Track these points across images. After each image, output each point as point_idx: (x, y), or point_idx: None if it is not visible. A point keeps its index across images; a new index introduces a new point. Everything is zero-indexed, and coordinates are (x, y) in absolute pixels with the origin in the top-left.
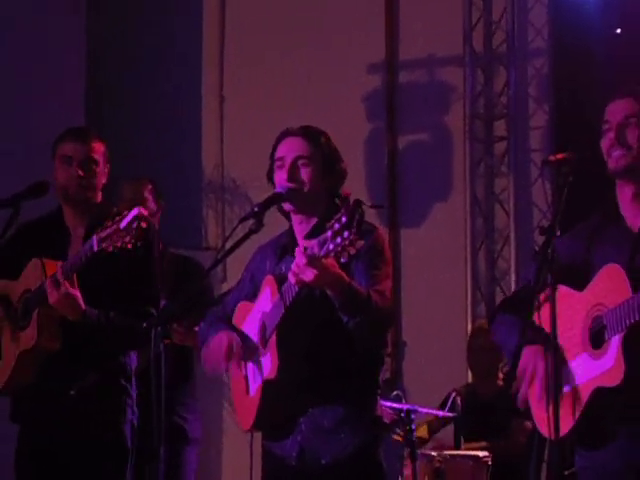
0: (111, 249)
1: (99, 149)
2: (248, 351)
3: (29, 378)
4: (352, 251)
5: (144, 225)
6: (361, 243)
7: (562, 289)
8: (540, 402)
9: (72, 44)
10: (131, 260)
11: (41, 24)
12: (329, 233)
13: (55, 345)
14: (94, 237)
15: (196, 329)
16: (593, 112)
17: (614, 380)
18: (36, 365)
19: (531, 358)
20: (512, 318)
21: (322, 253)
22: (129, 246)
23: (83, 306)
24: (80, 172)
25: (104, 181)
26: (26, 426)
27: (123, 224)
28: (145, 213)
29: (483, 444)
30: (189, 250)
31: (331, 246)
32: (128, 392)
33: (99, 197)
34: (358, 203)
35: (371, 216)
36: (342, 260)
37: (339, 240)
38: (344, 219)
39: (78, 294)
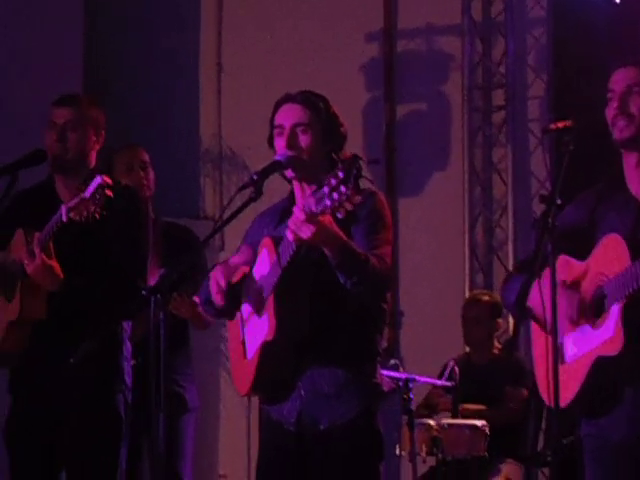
0: (79, 219)
1: (85, 114)
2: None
3: (18, 348)
4: (349, 207)
5: (109, 193)
6: (358, 199)
7: (563, 258)
8: (544, 371)
9: (70, 12)
10: (119, 230)
11: None
12: (326, 189)
13: (39, 315)
14: (62, 207)
15: (196, 299)
16: (592, 81)
17: (614, 349)
18: (23, 336)
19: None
20: (517, 277)
21: (319, 209)
22: (97, 216)
23: (61, 276)
24: (55, 136)
25: (94, 147)
26: (19, 396)
27: (87, 193)
28: (109, 181)
29: (481, 407)
30: (186, 219)
31: (328, 202)
32: (120, 361)
33: (90, 163)
34: (355, 158)
35: (369, 184)
36: (339, 215)
37: (336, 196)
38: (341, 174)
39: (55, 264)
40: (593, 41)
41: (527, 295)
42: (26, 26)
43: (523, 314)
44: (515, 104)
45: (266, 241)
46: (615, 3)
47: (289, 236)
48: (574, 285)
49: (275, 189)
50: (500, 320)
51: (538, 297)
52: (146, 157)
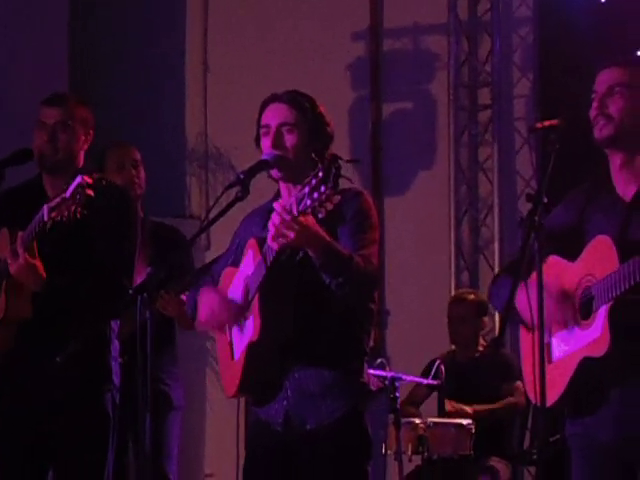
0: (60, 219)
1: (75, 114)
2: (233, 316)
3: (3, 347)
4: (329, 206)
5: (89, 193)
6: (337, 198)
7: (553, 259)
8: (531, 370)
9: (55, 11)
10: (104, 229)
11: None
12: (306, 189)
13: (25, 315)
14: (44, 206)
15: (182, 297)
16: (577, 80)
17: (600, 350)
18: (9, 335)
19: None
20: (506, 280)
21: (300, 209)
22: (78, 215)
23: (44, 276)
24: (46, 136)
25: (83, 147)
26: (5, 396)
27: (67, 193)
28: (89, 181)
29: (488, 407)
30: (172, 218)
31: (308, 202)
32: (108, 360)
33: (79, 163)
34: (334, 158)
35: (355, 183)
36: (319, 216)
37: (316, 195)
38: (320, 174)
39: (38, 264)
40: (579, 40)
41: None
42: (12, 30)
43: (512, 319)
44: (501, 103)
45: (251, 242)
46: (600, 2)
47: (270, 240)
48: (563, 292)
49: (262, 189)
50: (486, 319)
51: (525, 299)
52: (137, 156)
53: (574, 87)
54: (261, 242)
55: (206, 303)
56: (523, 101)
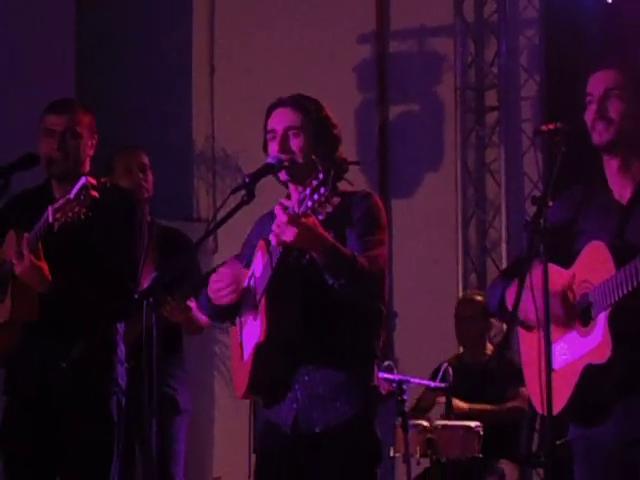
0: (64, 220)
1: (82, 121)
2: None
3: (10, 349)
4: (329, 208)
5: (94, 194)
6: (337, 200)
7: (550, 267)
8: (534, 378)
9: (61, 13)
10: (109, 231)
11: None
12: (307, 191)
13: (30, 316)
14: (49, 208)
15: (189, 304)
16: (584, 82)
17: (602, 357)
18: (15, 337)
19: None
20: (501, 282)
21: (301, 211)
22: (82, 216)
23: (49, 277)
24: (56, 144)
25: (90, 153)
26: (13, 399)
27: (72, 195)
28: (93, 182)
29: (487, 407)
30: (180, 221)
31: (309, 203)
32: (114, 363)
33: (86, 168)
34: (333, 160)
35: (362, 186)
36: (319, 217)
37: (316, 197)
38: (321, 176)
39: (43, 265)
40: (586, 41)
41: (504, 297)
42: (17, 32)
43: (505, 316)
44: (508, 105)
45: (261, 244)
46: (607, 3)
47: (272, 239)
48: (560, 292)
49: (274, 191)
50: (493, 320)
51: (526, 300)
52: (145, 160)
53: (581, 88)
54: (269, 243)
55: (215, 277)
56: (530, 103)
